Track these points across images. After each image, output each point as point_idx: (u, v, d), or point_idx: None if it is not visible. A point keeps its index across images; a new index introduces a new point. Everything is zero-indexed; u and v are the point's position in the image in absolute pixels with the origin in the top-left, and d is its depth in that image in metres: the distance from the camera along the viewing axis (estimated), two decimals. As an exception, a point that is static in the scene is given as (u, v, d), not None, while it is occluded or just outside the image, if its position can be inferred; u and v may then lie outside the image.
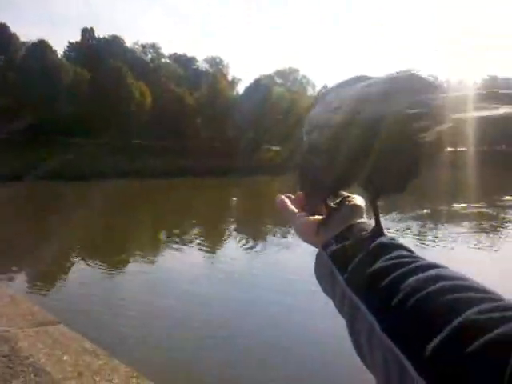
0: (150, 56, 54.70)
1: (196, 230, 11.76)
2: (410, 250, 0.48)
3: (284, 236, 10.27)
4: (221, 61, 57.49)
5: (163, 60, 55.26)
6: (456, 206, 14.70)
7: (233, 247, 9.74)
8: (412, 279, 0.42)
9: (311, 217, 0.58)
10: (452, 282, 0.40)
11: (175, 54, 57.30)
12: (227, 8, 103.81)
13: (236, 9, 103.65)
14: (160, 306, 5.63)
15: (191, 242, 9.76)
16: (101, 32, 58.77)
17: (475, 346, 0.34)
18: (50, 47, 38.82)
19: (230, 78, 55.06)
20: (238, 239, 10.86)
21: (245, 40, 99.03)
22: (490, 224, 12.01)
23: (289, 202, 0.62)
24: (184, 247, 9.19)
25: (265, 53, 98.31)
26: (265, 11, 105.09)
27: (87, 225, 11.95)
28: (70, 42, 50.66)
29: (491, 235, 10.59)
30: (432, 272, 0.42)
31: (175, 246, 9.27)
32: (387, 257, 0.46)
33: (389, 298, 0.42)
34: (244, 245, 10.03)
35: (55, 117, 34.69)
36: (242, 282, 6.98)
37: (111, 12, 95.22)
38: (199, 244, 9.61)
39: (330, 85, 0.57)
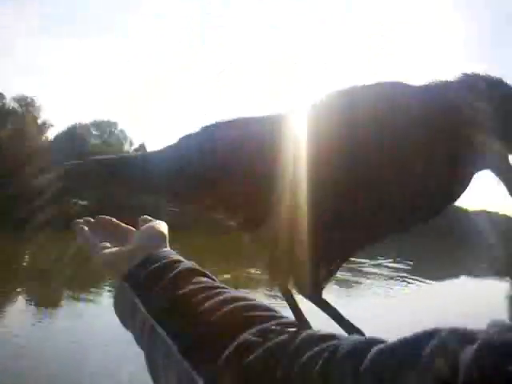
0: None
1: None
2: (209, 276, 0.51)
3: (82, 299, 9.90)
4: (32, 101, 53.22)
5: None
6: (253, 271, 15.80)
7: (21, 315, 8.97)
8: (209, 303, 0.45)
9: (118, 248, 0.55)
10: (244, 302, 0.45)
11: (-24, 87, 51.15)
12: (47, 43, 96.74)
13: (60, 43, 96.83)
14: None
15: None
16: None
17: (250, 359, 0.38)
18: None
19: (40, 121, 51.36)
20: (25, 304, 10.03)
21: (62, 81, 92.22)
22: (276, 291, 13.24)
23: (89, 233, 0.58)
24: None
25: (82, 100, 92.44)
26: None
27: None
28: None
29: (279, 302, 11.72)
30: (227, 295, 0.46)
31: None
32: (188, 285, 0.48)
33: (186, 321, 0.44)
34: (32, 311, 9.34)
35: None
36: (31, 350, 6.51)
37: None
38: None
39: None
